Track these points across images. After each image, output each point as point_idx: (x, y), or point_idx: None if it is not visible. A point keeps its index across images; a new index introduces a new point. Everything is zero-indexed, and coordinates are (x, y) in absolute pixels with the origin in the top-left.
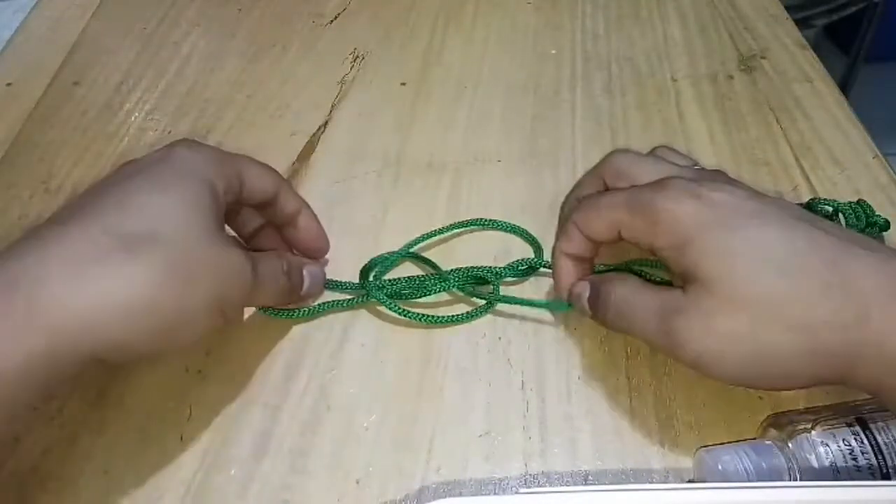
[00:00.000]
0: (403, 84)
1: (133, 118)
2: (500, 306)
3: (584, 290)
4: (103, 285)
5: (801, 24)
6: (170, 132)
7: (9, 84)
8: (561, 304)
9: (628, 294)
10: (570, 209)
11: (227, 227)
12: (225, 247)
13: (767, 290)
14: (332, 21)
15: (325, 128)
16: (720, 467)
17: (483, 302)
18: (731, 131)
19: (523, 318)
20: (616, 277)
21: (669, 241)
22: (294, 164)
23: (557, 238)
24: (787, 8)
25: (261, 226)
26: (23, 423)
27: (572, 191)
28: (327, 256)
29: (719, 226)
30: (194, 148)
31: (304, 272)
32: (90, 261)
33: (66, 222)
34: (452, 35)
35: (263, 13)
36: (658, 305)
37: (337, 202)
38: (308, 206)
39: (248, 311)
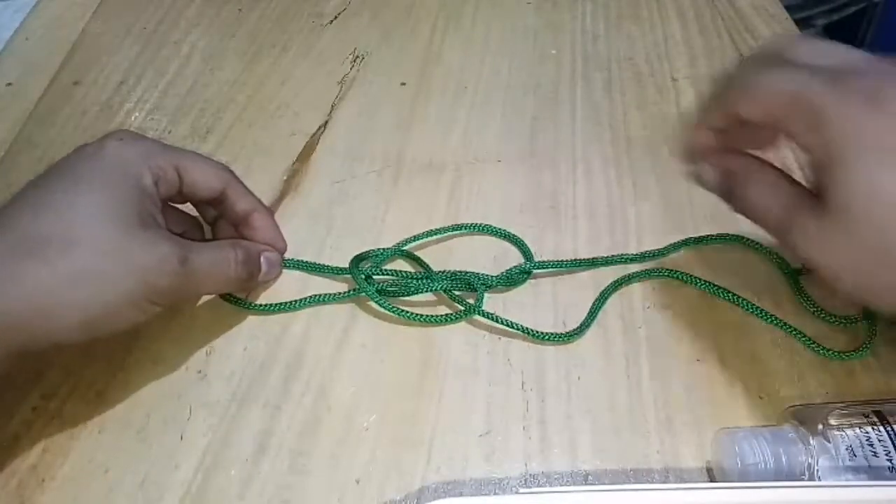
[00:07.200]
0: (403, 84)
1: (133, 118)
2: (499, 306)
3: (711, 177)
4: (18, 287)
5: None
6: (170, 132)
7: (9, 84)
8: (537, 333)
9: (763, 188)
10: (727, 80)
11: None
12: (146, 240)
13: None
14: (332, 21)
15: (325, 128)
16: (737, 449)
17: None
18: None
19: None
20: (754, 167)
21: (824, 154)
22: (294, 164)
23: (704, 108)
24: (787, 8)
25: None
26: (23, 422)
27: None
28: (326, 255)
29: (884, 150)
30: (126, 140)
31: (262, 258)
32: (5, 264)
33: None
34: (452, 35)
35: (263, 13)
36: (787, 205)
37: (337, 202)
38: (264, 207)
39: (247, 311)
